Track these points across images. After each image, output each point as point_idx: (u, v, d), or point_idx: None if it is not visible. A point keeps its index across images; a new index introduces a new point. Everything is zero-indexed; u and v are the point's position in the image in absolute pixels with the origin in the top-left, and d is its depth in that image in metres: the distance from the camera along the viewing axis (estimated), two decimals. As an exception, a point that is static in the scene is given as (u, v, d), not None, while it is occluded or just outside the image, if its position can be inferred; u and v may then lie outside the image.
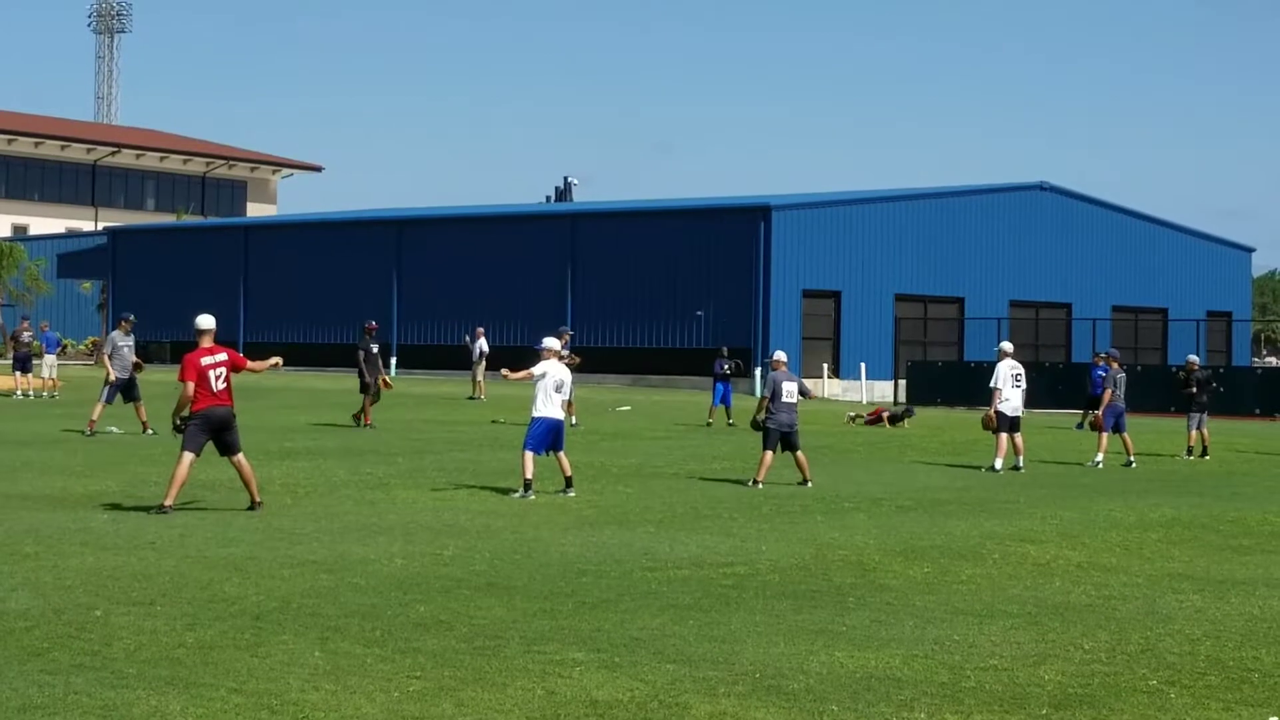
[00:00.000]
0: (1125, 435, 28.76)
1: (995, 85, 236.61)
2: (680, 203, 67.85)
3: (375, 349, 34.32)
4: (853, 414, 41.32)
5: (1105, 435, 28.54)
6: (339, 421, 34.64)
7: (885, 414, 39.98)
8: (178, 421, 17.95)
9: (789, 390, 23.01)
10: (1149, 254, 71.26)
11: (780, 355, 23.78)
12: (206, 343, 18.02)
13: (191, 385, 17.68)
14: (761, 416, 23.01)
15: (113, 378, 30.16)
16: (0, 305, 77.85)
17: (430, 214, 73.46)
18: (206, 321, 18.28)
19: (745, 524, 18.05)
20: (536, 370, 20.59)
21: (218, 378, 17.81)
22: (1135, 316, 68.46)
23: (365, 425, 33.15)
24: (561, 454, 20.71)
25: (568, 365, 22.30)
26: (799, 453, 23.00)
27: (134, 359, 30.66)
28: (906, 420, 39.54)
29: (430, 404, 42.72)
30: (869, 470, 26.19)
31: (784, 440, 22.88)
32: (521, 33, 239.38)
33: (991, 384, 26.72)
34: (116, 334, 31.21)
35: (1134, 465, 28.11)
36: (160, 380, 28.93)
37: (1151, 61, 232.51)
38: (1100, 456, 28.09)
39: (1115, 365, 29.71)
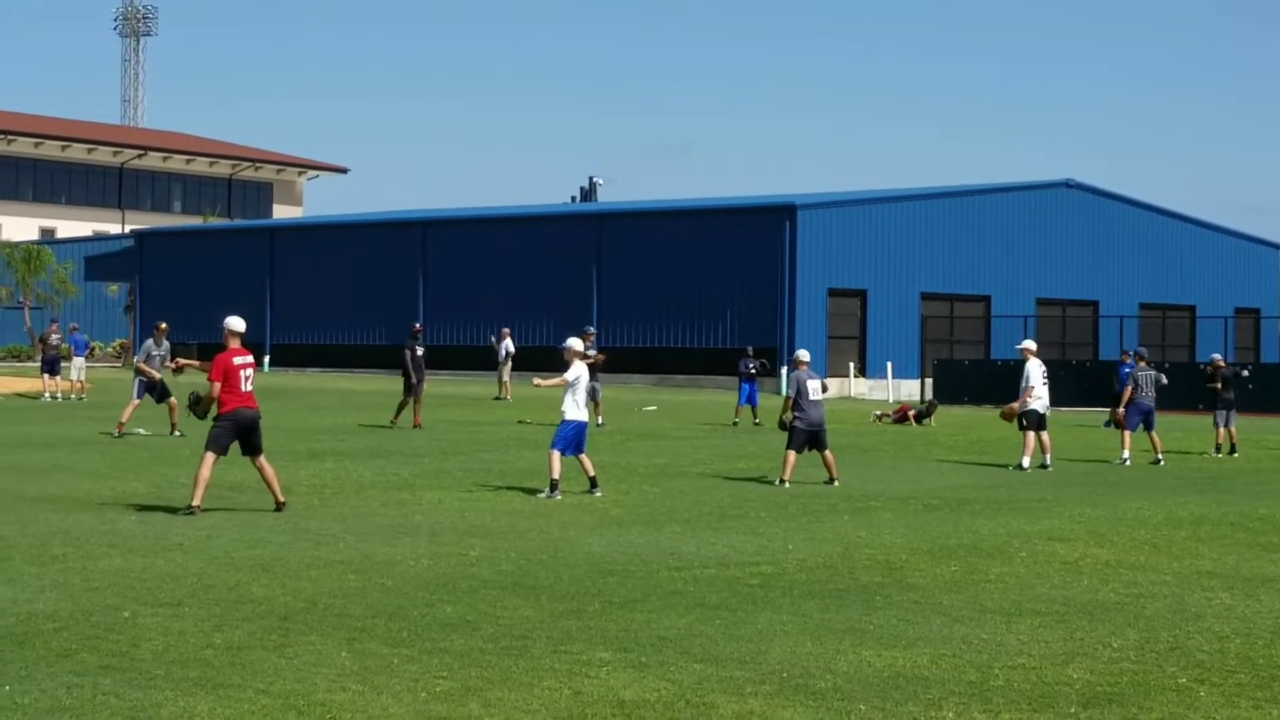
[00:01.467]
0: (1154, 433, 28.67)
1: (1020, 83, 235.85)
2: (705, 202, 67.81)
3: (421, 351, 34.54)
4: (879, 413, 41.23)
5: (1129, 433, 28.46)
6: (365, 422, 34.74)
7: (911, 411, 39.94)
8: (191, 402, 18.32)
9: (814, 388, 22.94)
10: (1176, 251, 71.02)
11: (803, 354, 23.75)
12: (235, 344, 18.13)
13: (218, 386, 17.77)
14: (789, 417, 22.95)
15: (156, 379, 30.25)
16: (28, 308, 78.19)
17: (455, 215, 73.52)
18: (238, 324, 18.36)
19: (771, 523, 18.03)
20: (570, 376, 20.58)
21: (247, 379, 17.92)
22: (1162, 314, 68.24)
23: (393, 424, 33.33)
24: (584, 456, 20.71)
25: (589, 364, 22.31)
26: (827, 451, 22.94)
27: (171, 364, 30.75)
28: (932, 416, 39.50)
29: (456, 405, 42.77)
30: (895, 469, 26.15)
31: (812, 439, 22.81)
32: (547, 34, 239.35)
33: (1027, 381, 26.52)
34: (149, 342, 31.33)
35: (1162, 463, 28.02)
36: (188, 382, 29.02)
37: (1177, 58, 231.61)
38: (1126, 454, 28.01)
39: (1142, 363, 29.60)
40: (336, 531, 16.46)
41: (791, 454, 22.65)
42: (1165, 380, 30.16)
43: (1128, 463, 27.69)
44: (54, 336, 45.22)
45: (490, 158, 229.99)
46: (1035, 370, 26.60)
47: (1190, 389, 42.52)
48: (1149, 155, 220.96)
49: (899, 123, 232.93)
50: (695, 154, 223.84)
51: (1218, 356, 32.58)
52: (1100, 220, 68.61)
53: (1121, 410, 29.07)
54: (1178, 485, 24.10)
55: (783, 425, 23.29)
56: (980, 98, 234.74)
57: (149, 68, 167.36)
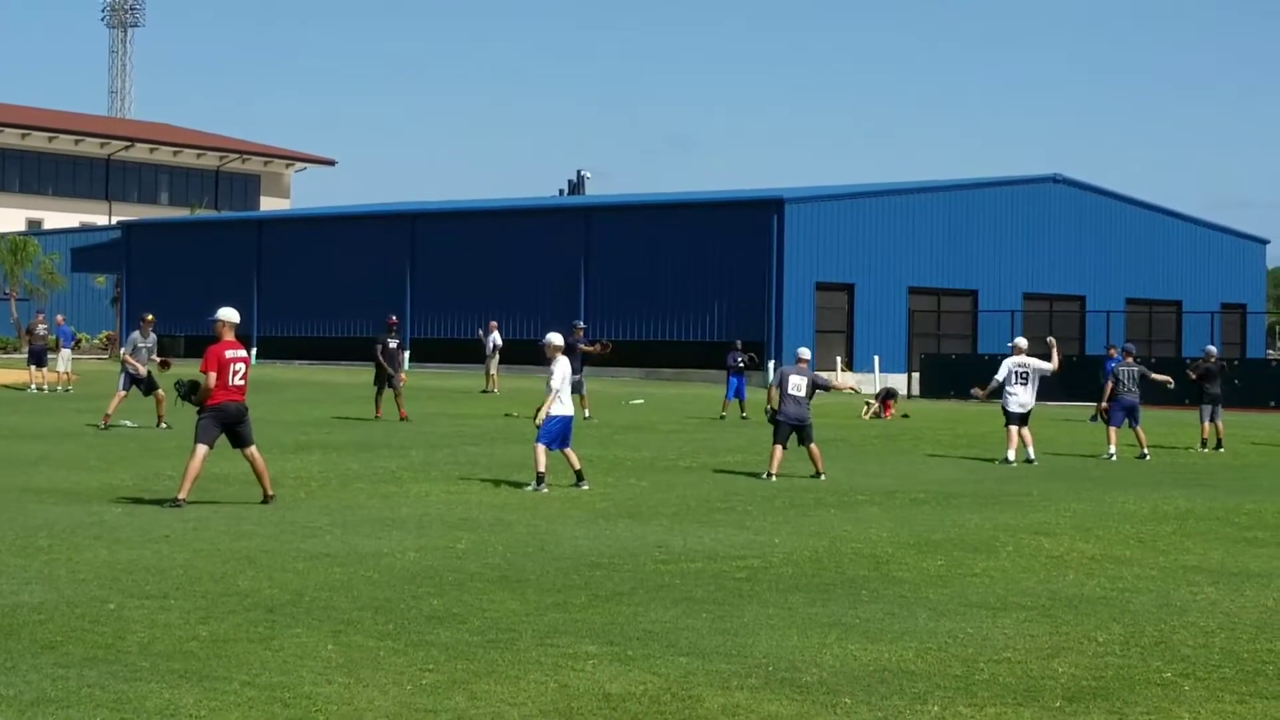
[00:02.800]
0: (1138, 428, 28.71)
1: (1008, 78, 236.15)
2: (693, 196, 67.82)
3: (395, 344, 34.54)
4: (871, 407, 40.78)
5: (1114, 429, 28.51)
6: (352, 415, 34.72)
7: (885, 400, 40.68)
8: (185, 391, 18.15)
9: (795, 384, 22.96)
10: (1163, 246, 71.12)
11: (803, 352, 23.81)
12: (229, 336, 18.06)
13: (213, 376, 17.71)
14: (773, 407, 22.98)
15: (143, 372, 30.20)
16: (15, 299, 78.03)
17: (444, 208, 73.46)
18: (231, 315, 18.29)
19: (759, 517, 18.04)
20: (555, 381, 20.47)
21: (236, 373, 17.85)
22: (1149, 309, 68.32)
23: (378, 418, 33.35)
24: (569, 449, 20.68)
25: (598, 353, 22.10)
26: (812, 445, 22.96)
27: (157, 358, 30.59)
28: (892, 400, 40.59)
29: (444, 398, 42.75)
30: (882, 463, 26.18)
31: (798, 433, 22.86)
32: (535, 27, 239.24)
33: (996, 378, 26.87)
34: (136, 334, 31.26)
35: (1148, 458, 28.05)
36: (176, 375, 28.95)
37: (1165, 53, 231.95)
38: (1112, 449, 28.06)
39: (1129, 359, 29.61)
40: (323, 524, 16.45)
41: (777, 448, 22.67)
42: (1151, 375, 30.09)
43: (1114, 458, 27.73)
44: (40, 328, 45.16)
45: (478, 151, 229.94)
46: (1003, 368, 26.79)
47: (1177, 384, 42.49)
48: (1136, 150, 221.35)
49: (887, 117, 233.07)
50: (684, 148, 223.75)
51: (1211, 349, 32.64)
52: (1087, 215, 68.69)
53: (1105, 405, 29.11)
54: (1164, 480, 24.13)
55: (770, 418, 23.31)
56: (968, 92, 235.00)
57: (136, 59, 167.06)
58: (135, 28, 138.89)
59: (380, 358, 34.01)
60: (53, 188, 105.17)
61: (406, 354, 62.64)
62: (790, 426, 22.76)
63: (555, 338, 21.17)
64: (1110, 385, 28.86)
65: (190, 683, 9.35)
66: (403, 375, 34.70)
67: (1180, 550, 16.08)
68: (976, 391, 27.88)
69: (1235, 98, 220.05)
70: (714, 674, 9.92)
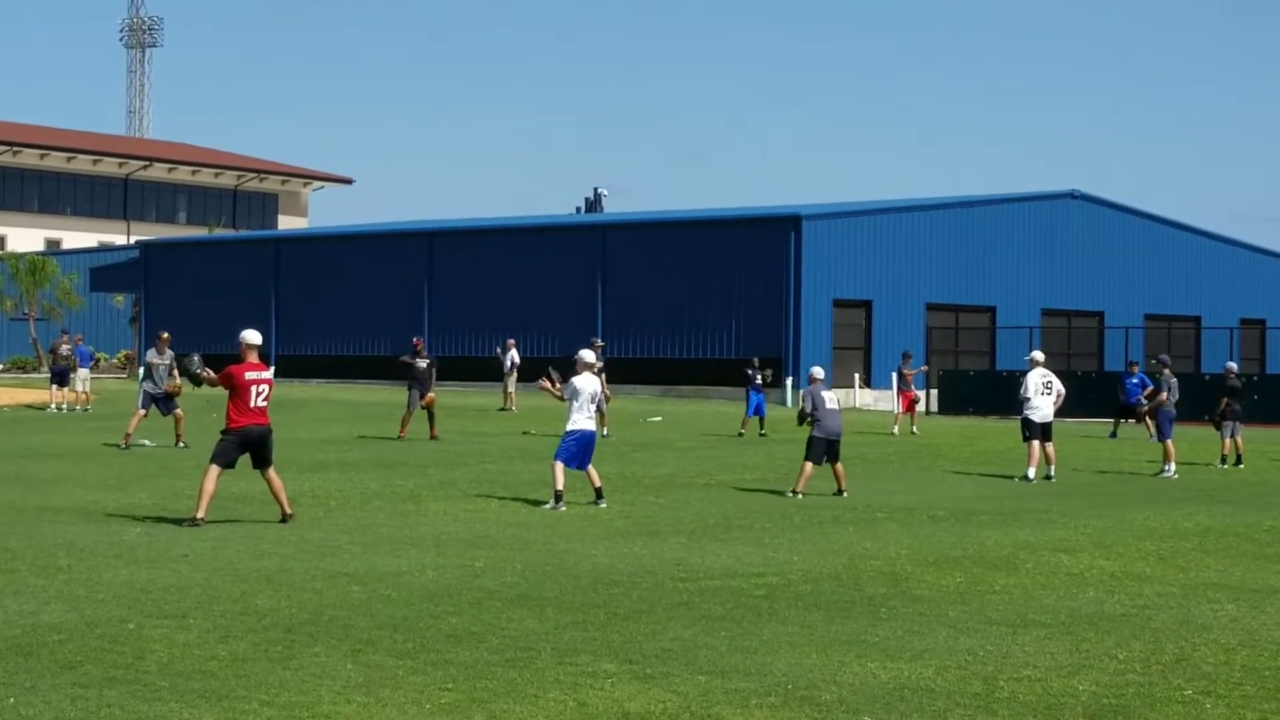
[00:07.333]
0: (1169, 441, 28.59)
1: (1026, 93, 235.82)
2: (710, 213, 67.78)
3: (424, 364, 34.47)
4: (897, 428, 40.69)
5: (1170, 441, 28.42)
6: (369, 434, 34.76)
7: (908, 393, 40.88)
8: (191, 367, 18.59)
9: (830, 398, 22.93)
10: (1181, 261, 70.99)
11: (817, 371, 23.65)
12: (252, 358, 18.09)
13: (218, 385, 17.93)
14: (805, 409, 22.83)
15: (167, 388, 30.13)
16: (33, 320, 78.25)
17: (461, 225, 73.51)
18: (254, 337, 18.33)
19: (777, 534, 18.02)
20: (565, 392, 20.49)
21: (259, 394, 17.88)
22: (1168, 325, 68.15)
23: (402, 438, 33.24)
24: (590, 468, 20.64)
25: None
26: (838, 464, 22.87)
27: (171, 382, 30.23)
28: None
29: (461, 416, 42.76)
30: (901, 480, 26.14)
31: (829, 451, 22.71)
32: (552, 43, 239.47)
33: (1021, 394, 26.74)
34: (151, 352, 31.24)
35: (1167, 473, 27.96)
36: (192, 393, 28.99)
37: (1182, 67, 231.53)
38: (1171, 466, 27.90)
39: (1166, 370, 29.65)
40: (342, 543, 16.46)
41: (809, 465, 22.57)
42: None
43: (1175, 475, 27.52)
44: (64, 348, 45.31)
45: (495, 168, 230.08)
46: (1031, 381, 26.66)
47: (1197, 399, 42.38)
48: (1154, 165, 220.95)
49: (905, 133, 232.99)
50: (702, 164, 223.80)
51: (1231, 366, 32.61)
52: (1105, 231, 68.58)
53: (1146, 408, 28.83)
54: (1183, 496, 24.07)
55: (802, 418, 23.04)
56: (986, 108, 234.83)
57: (154, 79, 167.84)
58: (153, 48, 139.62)
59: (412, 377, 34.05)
60: (71, 207, 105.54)
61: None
62: (828, 442, 22.64)
63: (587, 354, 21.12)
64: (1166, 395, 28.85)
65: (209, 702, 9.36)
66: (431, 395, 34.50)
67: (1201, 567, 16.03)
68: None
69: (1254, 112, 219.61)
70: (733, 692, 9.90)
